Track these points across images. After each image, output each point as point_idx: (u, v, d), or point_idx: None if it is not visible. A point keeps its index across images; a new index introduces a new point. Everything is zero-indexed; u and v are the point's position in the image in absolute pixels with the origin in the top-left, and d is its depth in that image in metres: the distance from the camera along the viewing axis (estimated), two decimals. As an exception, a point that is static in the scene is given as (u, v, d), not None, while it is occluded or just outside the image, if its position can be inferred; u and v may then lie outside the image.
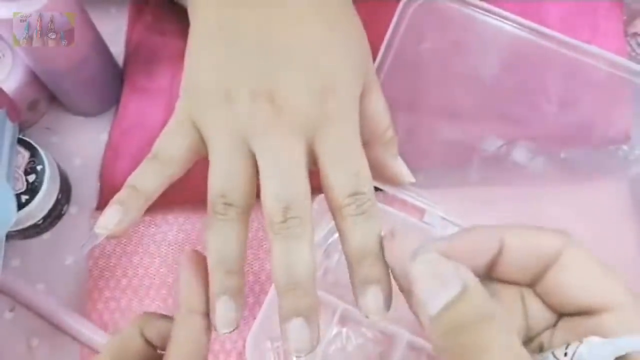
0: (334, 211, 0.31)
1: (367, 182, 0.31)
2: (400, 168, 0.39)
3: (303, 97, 0.31)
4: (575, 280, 0.25)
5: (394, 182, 0.40)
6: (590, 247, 0.26)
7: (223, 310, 0.29)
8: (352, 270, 0.30)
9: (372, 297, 0.29)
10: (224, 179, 0.31)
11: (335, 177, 0.31)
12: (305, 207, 0.30)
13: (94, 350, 0.46)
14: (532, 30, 0.43)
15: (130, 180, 0.32)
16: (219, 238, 0.30)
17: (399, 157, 0.39)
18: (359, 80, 0.33)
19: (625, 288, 0.25)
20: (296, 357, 0.28)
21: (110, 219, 0.30)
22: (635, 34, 0.51)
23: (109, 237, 0.30)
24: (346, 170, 0.31)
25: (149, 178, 0.32)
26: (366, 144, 0.35)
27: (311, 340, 0.28)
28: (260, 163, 0.31)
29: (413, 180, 0.40)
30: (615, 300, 0.24)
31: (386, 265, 0.29)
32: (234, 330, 0.30)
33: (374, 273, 0.29)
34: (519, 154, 0.46)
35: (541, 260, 0.26)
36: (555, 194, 0.46)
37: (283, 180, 0.30)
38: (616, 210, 0.46)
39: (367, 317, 0.29)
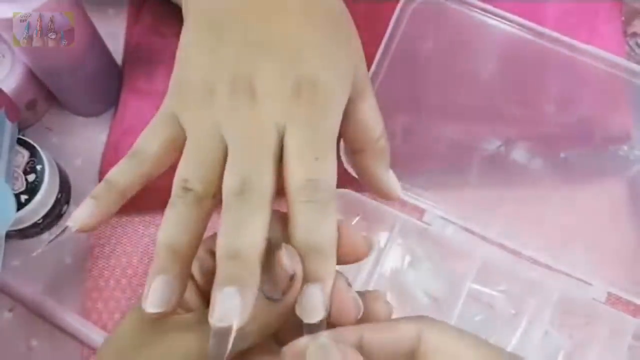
0: (288, 203, 0.29)
1: (327, 179, 0.29)
2: (389, 181, 0.36)
3: (278, 87, 0.30)
4: None
5: (382, 194, 0.38)
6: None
7: (158, 288, 0.27)
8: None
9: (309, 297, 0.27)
10: (189, 165, 0.30)
11: (294, 165, 0.29)
12: (267, 187, 0.28)
13: (94, 350, 0.45)
14: (531, 30, 0.43)
15: (108, 175, 0.31)
16: (171, 220, 0.29)
17: (390, 170, 0.37)
18: (344, 81, 0.32)
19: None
20: (218, 325, 0.25)
21: (83, 213, 0.30)
22: (634, 34, 0.51)
23: (79, 231, 0.30)
24: (307, 160, 0.29)
25: (124, 173, 0.31)
26: (358, 152, 0.35)
27: (242, 313, 0.25)
28: (229, 148, 0.30)
29: (401, 195, 0.37)
30: None
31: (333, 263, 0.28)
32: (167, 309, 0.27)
33: (319, 270, 0.28)
34: (519, 154, 0.46)
35: (402, 353, 0.26)
36: (555, 194, 0.46)
37: (247, 157, 0.29)
38: (616, 210, 0.46)
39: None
